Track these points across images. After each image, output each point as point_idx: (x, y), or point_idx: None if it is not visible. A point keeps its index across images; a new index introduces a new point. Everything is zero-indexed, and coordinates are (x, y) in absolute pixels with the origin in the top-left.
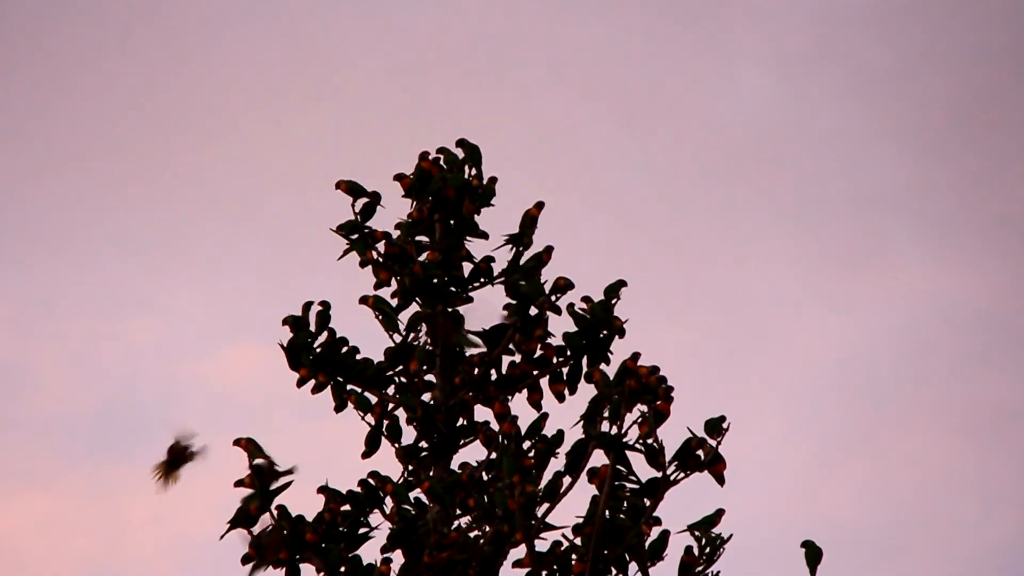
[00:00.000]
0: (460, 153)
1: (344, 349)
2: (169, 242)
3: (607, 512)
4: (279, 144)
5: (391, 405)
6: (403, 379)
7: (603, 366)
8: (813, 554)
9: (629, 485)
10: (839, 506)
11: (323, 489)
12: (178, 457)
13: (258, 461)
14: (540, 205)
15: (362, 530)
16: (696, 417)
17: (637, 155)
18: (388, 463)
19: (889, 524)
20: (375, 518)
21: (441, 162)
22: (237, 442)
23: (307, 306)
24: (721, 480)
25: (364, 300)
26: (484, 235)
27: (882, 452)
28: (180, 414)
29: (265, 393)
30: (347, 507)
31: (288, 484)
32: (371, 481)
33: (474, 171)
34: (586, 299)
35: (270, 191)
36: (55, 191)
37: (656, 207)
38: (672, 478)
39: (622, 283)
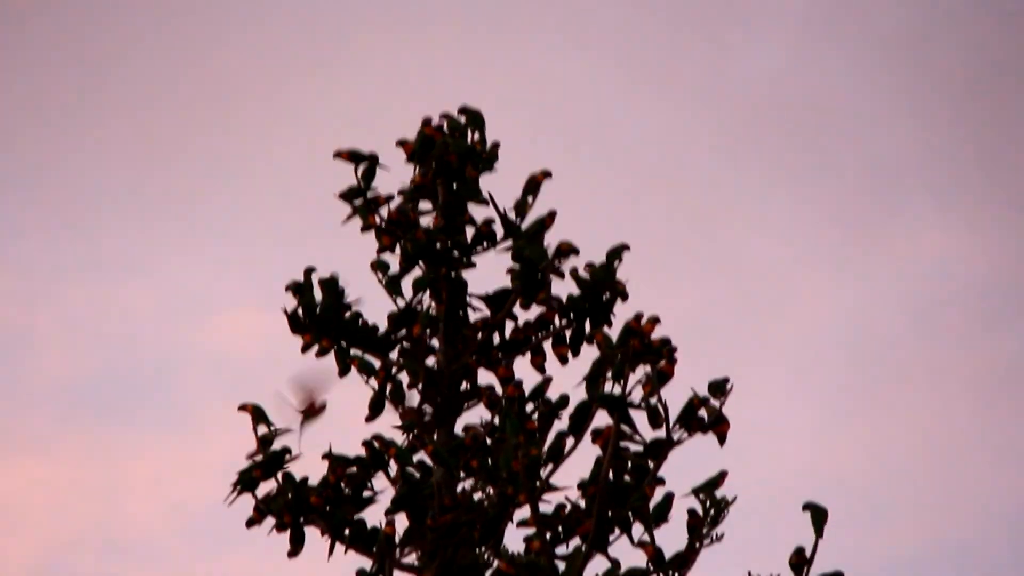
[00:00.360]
0: (464, 120)
1: (347, 314)
2: (169, 207)
3: (611, 473)
4: (281, 108)
5: (395, 369)
6: (407, 344)
7: (606, 328)
8: (818, 515)
9: (633, 447)
10: (844, 466)
11: (328, 455)
12: (310, 410)
13: (261, 429)
14: (547, 173)
15: (366, 493)
16: (705, 381)
17: (650, 119)
18: (391, 427)
19: (893, 484)
20: (380, 483)
21: (444, 128)
22: (242, 407)
23: (308, 272)
24: (722, 440)
25: (375, 266)
26: (485, 201)
27: (891, 415)
28: (179, 378)
29: (264, 357)
30: (353, 469)
31: (292, 451)
32: (375, 444)
33: (477, 136)
34: (589, 265)
35: (271, 156)
36: (54, 156)
37: (668, 171)
38: (676, 439)
39: (624, 246)
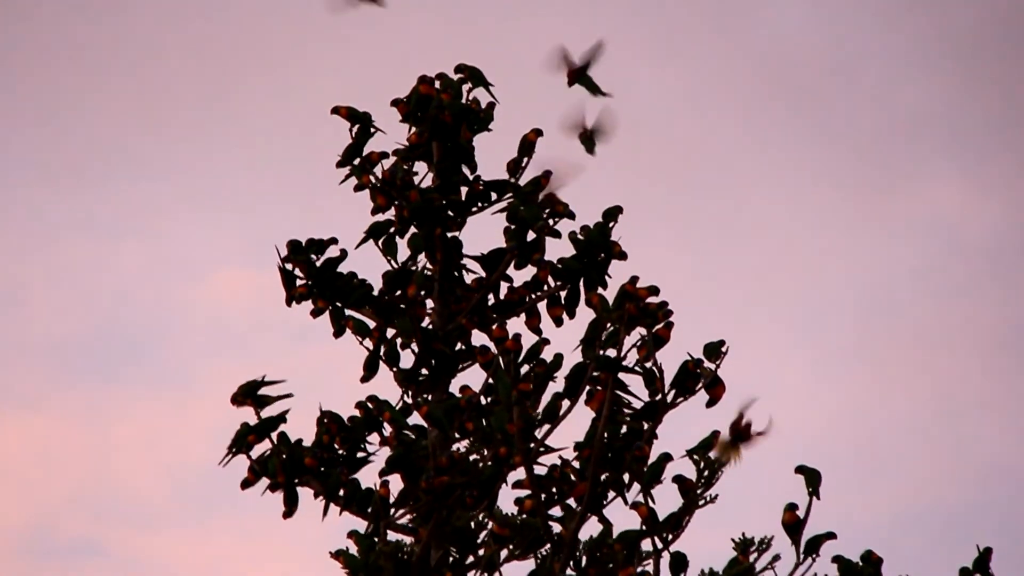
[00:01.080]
0: (466, 79)
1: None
2: (163, 166)
3: (606, 436)
4: (277, 68)
5: (389, 330)
6: (402, 304)
7: (601, 291)
8: (812, 477)
9: (627, 411)
10: (841, 425)
11: (322, 416)
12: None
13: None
14: (538, 132)
15: (360, 455)
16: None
17: (667, 79)
18: (386, 387)
19: (892, 443)
20: (374, 445)
21: (437, 86)
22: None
23: (311, 242)
24: (712, 403)
25: (370, 231)
26: (474, 165)
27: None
28: (171, 338)
29: (257, 317)
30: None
31: (284, 415)
32: (369, 405)
33: (473, 96)
34: (584, 227)
35: (265, 115)
36: (47, 114)
37: (685, 131)
38: (671, 401)
39: (619, 208)
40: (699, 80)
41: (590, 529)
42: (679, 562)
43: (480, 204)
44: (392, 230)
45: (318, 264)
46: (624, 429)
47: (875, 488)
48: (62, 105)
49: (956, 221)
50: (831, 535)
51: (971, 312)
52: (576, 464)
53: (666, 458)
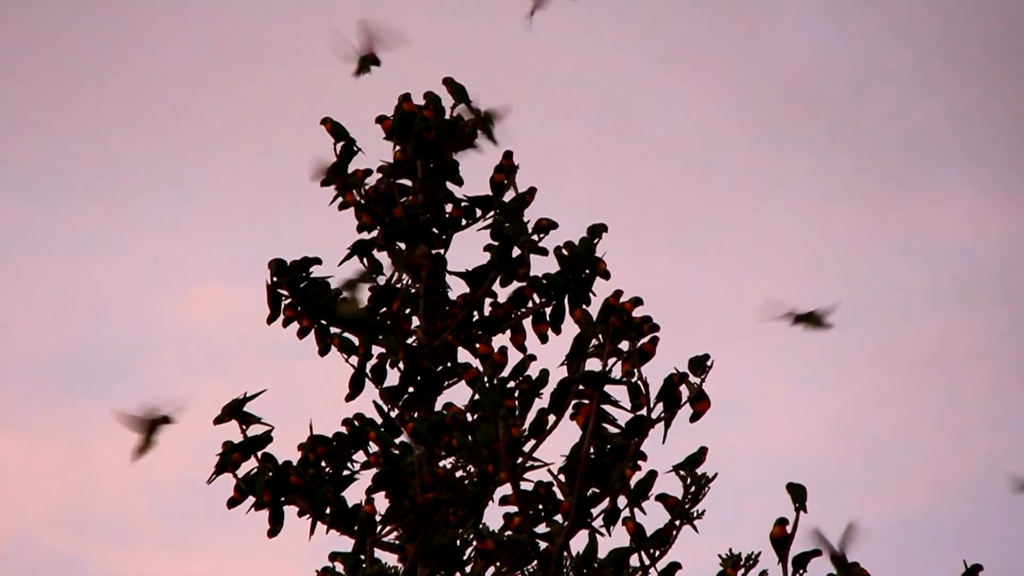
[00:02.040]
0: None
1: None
2: (141, 183)
3: (592, 451)
4: (259, 83)
5: (374, 348)
6: (387, 321)
7: (586, 306)
8: (798, 493)
9: (612, 429)
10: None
11: (309, 439)
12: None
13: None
14: (508, 154)
15: (346, 473)
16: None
17: (676, 93)
18: (368, 406)
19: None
20: (360, 464)
21: (421, 104)
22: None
23: (296, 263)
24: (696, 418)
25: (354, 248)
26: (460, 181)
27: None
28: (151, 355)
29: (236, 334)
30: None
31: (269, 433)
32: (355, 423)
33: (457, 111)
34: (568, 244)
35: (241, 131)
36: (22, 131)
37: (696, 143)
38: (656, 417)
39: (603, 226)
40: (709, 92)
41: (578, 545)
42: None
43: (465, 221)
44: (376, 248)
45: (303, 284)
46: (610, 446)
47: (866, 499)
48: (40, 120)
49: (967, 236)
50: (816, 553)
51: (981, 326)
52: (563, 478)
53: (653, 475)
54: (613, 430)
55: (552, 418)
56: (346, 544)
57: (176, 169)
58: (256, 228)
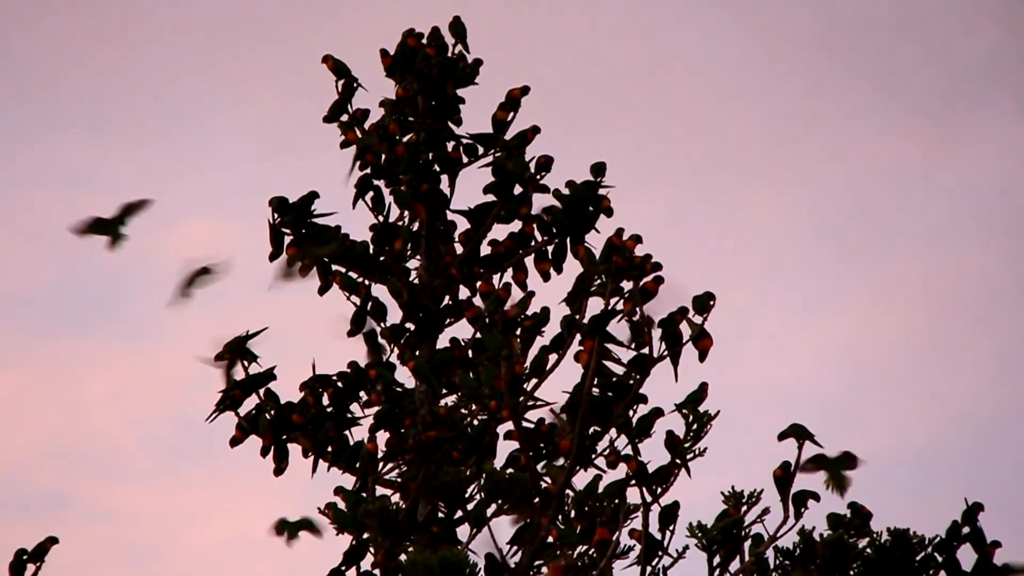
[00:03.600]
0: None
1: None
2: (124, 115)
3: (595, 388)
4: (253, 14)
5: (375, 285)
6: (388, 260)
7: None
8: (800, 433)
9: (614, 367)
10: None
11: (307, 382)
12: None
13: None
14: (525, 89)
15: (349, 415)
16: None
17: (723, 34)
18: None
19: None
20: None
21: (424, 40)
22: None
23: (298, 201)
24: (703, 356)
25: (359, 185)
26: (459, 121)
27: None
28: (137, 290)
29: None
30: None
31: (272, 371)
32: (358, 363)
33: (459, 50)
34: (570, 182)
35: (235, 63)
36: (8, 62)
37: (747, 84)
38: (658, 355)
39: (604, 165)
40: (755, 35)
41: (580, 482)
42: (668, 515)
43: (466, 159)
44: (377, 184)
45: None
46: (612, 383)
47: (861, 433)
48: (15, 55)
49: (1018, 173)
50: (814, 495)
51: None
52: (565, 416)
53: (656, 413)
54: (616, 368)
55: (554, 357)
56: (339, 481)
57: (165, 105)
58: (246, 162)
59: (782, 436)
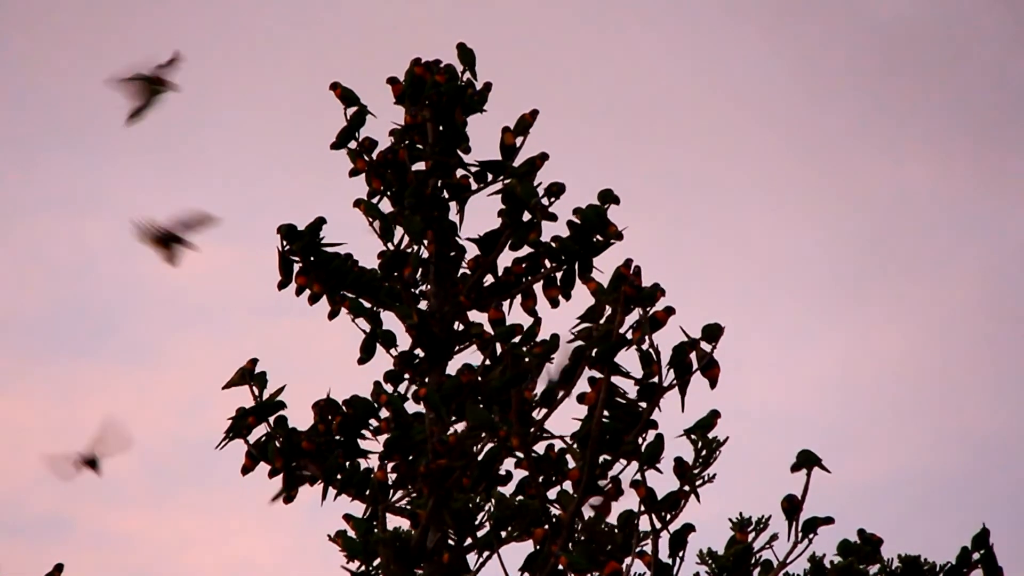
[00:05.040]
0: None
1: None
2: (126, 140)
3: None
4: (259, 40)
5: (384, 313)
6: (397, 286)
7: (598, 272)
8: (809, 459)
9: (621, 399)
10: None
11: (320, 402)
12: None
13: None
14: (535, 112)
15: (360, 441)
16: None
17: (783, 52)
18: (367, 371)
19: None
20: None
21: (433, 67)
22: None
23: (310, 225)
24: (713, 384)
25: (358, 204)
26: (467, 149)
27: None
28: (136, 313)
29: (223, 292)
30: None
31: (281, 401)
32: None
33: (467, 76)
34: (577, 209)
35: (237, 88)
36: (8, 86)
37: (799, 108)
38: (667, 384)
39: (611, 192)
40: (811, 57)
41: (589, 508)
42: (678, 541)
43: (476, 186)
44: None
45: (314, 249)
46: (620, 413)
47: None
48: (26, 76)
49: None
50: (829, 520)
51: None
52: (574, 444)
53: (661, 439)
54: (626, 393)
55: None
56: (339, 509)
57: (163, 126)
58: (246, 184)
59: (795, 468)
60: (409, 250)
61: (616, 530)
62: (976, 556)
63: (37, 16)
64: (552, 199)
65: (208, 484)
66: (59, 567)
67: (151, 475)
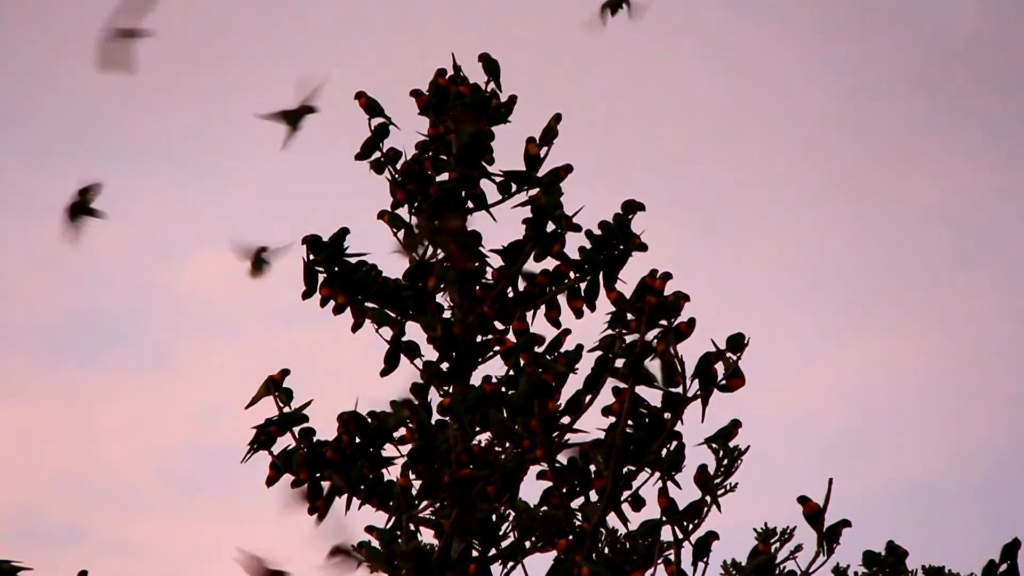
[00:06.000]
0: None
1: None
2: (141, 147)
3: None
4: (275, 47)
5: (408, 324)
6: (421, 297)
7: (622, 283)
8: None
9: (645, 410)
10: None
11: (343, 415)
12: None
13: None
14: (557, 118)
15: (384, 452)
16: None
17: (836, 64)
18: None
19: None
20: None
21: (457, 78)
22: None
23: (333, 236)
24: (731, 390)
25: (382, 215)
26: (491, 160)
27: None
28: (152, 321)
29: (239, 299)
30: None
31: (304, 412)
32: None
33: (491, 87)
34: (603, 223)
35: (248, 93)
36: (21, 96)
37: (855, 116)
38: (691, 394)
39: (635, 202)
40: (864, 66)
41: (613, 519)
42: (702, 548)
43: (500, 197)
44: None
45: (339, 260)
46: (646, 421)
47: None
48: (38, 82)
49: None
50: (846, 523)
51: None
52: (599, 457)
53: (682, 447)
54: (650, 403)
55: (588, 397)
56: (359, 519)
57: (179, 133)
58: (257, 195)
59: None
60: (432, 260)
61: (639, 540)
62: (1003, 568)
63: (47, 21)
64: (577, 210)
65: (225, 492)
66: (83, 574)
67: (168, 483)
